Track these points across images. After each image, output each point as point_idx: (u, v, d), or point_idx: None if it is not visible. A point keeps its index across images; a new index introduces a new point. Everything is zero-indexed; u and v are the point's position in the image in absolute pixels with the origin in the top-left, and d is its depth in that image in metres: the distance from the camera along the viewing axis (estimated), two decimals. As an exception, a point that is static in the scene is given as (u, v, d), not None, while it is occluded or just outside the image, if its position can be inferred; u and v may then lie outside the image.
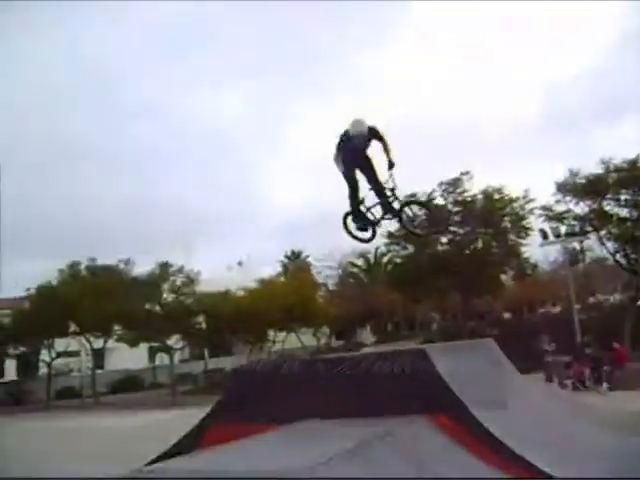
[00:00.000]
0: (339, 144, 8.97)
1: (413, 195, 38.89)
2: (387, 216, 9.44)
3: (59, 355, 42.00)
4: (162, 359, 50.92)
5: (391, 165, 8.93)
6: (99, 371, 43.85)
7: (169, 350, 41.82)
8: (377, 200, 9.40)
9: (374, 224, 9.61)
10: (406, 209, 9.53)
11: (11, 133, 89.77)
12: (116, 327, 40.27)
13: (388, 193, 9.24)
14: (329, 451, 4.81)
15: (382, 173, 9.31)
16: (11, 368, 52.30)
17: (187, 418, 11.27)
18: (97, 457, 13.77)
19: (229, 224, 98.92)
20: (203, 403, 18.36)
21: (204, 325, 42.67)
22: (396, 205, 9.36)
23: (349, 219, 9.49)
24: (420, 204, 9.57)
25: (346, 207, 9.58)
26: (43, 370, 46.23)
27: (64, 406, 37.65)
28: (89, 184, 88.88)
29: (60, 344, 41.75)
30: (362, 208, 9.41)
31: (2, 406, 42.07)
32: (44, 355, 42.72)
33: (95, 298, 36.20)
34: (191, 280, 41.27)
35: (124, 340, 42.47)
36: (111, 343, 42.90)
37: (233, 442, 5.91)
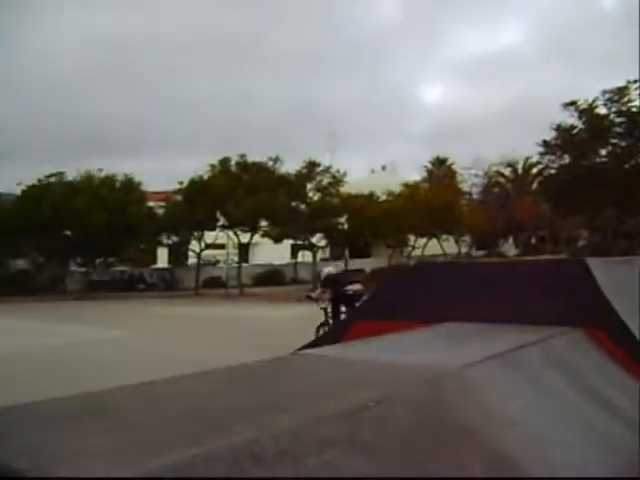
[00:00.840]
0: None
1: (574, 103, 36.83)
2: None
3: (208, 246, 43.82)
4: (304, 257, 52.22)
5: None
6: (244, 264, 45.53)
7: (312, 248, 42.68)
8: None
9: None
10: None
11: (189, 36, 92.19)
12: (262, 223, 41.32)
13: None
14: (480, 352, 4.67)
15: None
16: (163, 256, 55.46)
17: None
18: (249, 344, 14.36)
19: (375, 128, 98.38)
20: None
21: (346, 226, 43.08)
22: None
23: None
24: None
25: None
26: (192, 260, 48.65)
27: (211, 294, 39.61)
28: (246, 84, 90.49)
29: (209, 236, 43.52)
30: None
31: (156, 290, 45.06)
32: (194, 246, 44.75)
33: (244, 193, 37.27)
34: (337, 181, 41.54)
35: (269, 236, 43.73)
36: (256, 238, 44.23)
37: (379, 336, 5.90)
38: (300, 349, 6.56)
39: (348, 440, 2.82)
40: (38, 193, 39.58)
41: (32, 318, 24.44)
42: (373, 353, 5.04)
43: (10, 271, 45.07)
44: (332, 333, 7.98)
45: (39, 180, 40.92)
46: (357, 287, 13.90)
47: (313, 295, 15.19)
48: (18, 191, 41.97)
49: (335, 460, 2.69)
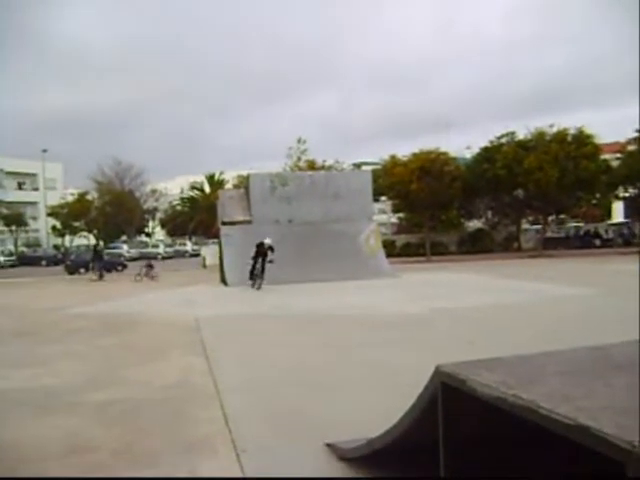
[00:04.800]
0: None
1: None
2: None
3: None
4: None
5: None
6: None
7: None
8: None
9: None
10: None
11: None
12: None
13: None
14: None
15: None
16: (619, 210, 52.91)
17: None
18: None
19: None
20: None
21: None
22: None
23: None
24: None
25: None
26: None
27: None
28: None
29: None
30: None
31: (613, 246, 43.26)
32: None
33: None
34: None
35: None
36: None
37: None
38: None
39: None
40: (490, 154, 40.54)
41: (491, 275, 25.25)
42: None
43: (467, 231, 47.51)
44: None
45: (491, 142, 41.89)
46: None
47: None
48: (467, 155, 43.84)
49: None
